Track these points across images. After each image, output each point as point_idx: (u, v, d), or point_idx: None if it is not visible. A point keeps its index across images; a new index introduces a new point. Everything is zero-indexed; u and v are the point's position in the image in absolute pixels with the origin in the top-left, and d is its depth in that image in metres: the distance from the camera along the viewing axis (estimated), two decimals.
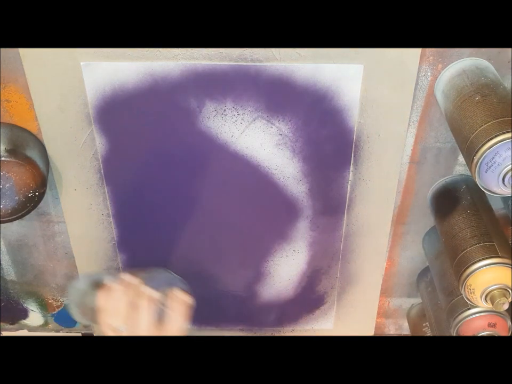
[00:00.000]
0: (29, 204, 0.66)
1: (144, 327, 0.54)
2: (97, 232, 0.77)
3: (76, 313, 0.62)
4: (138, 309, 0.55)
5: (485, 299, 0.61)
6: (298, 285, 0.83)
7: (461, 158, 0.71)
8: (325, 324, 0.87)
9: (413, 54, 0.62)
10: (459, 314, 0.67)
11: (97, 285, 0.60)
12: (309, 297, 0.84)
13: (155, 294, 0.56)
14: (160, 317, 0.56)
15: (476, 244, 0.63)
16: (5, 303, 0.86)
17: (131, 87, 0.64)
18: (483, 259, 0.61)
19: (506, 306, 0.61)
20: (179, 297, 0.57)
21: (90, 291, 0.60)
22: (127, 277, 0.57)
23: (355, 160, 0.70)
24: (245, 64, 0.62)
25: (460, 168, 0.72)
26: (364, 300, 0.85)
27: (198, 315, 0.86)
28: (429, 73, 0.64)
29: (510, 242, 0.69)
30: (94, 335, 0.89)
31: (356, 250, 0.79)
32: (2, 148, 0.64)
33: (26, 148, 0.66)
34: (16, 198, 0.66)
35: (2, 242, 0.79)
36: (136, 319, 0.55)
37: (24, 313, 0.88)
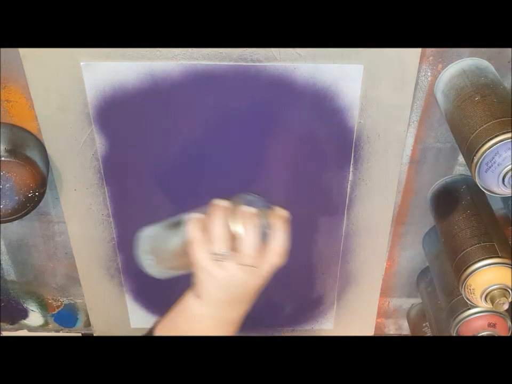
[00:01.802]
0: (29, 203, 0.66)
1: (250, 247, 0.50)
2: (97, 232, 0.77)
3: (149, 264, 0.58)
4: (243, 230, 0.50)
5: (485, 299, 0.61)
6: (298, 285, 0.83)
7: (461, 158, 0.71)
8: (325, 324, 0.87)
9: (413, 54, 0.62)
10: (459, 314, 0.67)
11: (175, 225, 0.56)
12: (309, 297, 0.84)
13: (255, 213, 0.51)
14: (264, 236, 0.51)
15: (476, 244, 0.63)
16: (5, 303, 0.86)
17: (131, 87, 0.64)
18: (483, 259, 0.61)
19: (506, 306, 0.61)
20: (278, 213, 0.51)
21: (168, 233, 0.56)
22: (219, 202, 0.52)
23: (355, 160, 0.70)
24: (245, 64, 0.62)
25: (460, 168, 0.72)
26: (364, 300, 0.85)
27: None
28: (429, 73, 0.64)
29: (510, 242, 0.69)
30: (94, 335, 0.89)
31: (356, 250, 0.79)
32: (2, 148, 0.64)
33: (26, 148, 0.66)
34: (16, 198, 0.66)
35: (2, 242, 0.79)
36: (241, 239, 0.50)
37: (24, 313, 0.88)
